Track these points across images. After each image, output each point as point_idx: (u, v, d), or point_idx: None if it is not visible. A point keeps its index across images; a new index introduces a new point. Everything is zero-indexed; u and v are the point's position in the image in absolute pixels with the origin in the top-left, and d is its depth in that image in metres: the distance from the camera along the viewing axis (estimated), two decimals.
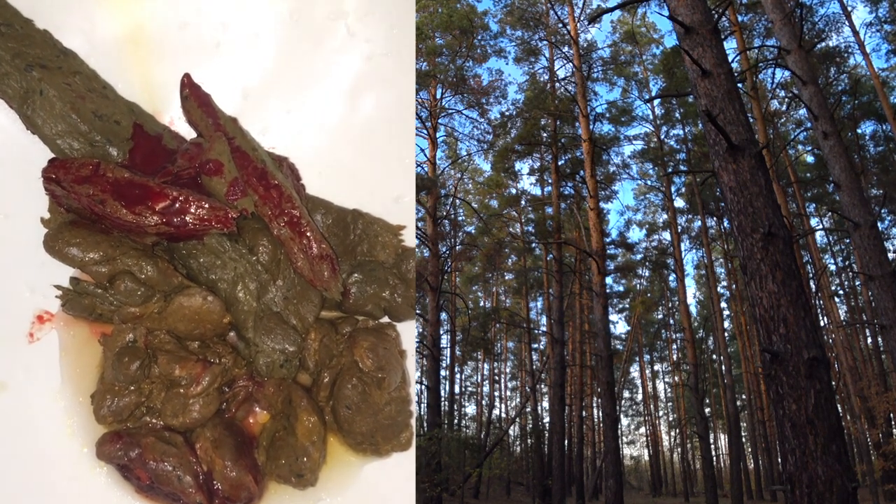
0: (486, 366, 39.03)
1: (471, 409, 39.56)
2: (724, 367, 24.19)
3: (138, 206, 2.82)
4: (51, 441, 2.85)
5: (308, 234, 2.88)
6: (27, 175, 2.94)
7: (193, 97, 3.03)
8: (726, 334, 29.85)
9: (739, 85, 9.09)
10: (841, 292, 28.60)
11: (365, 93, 3.15)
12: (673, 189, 23.95)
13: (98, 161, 2.87)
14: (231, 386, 2.96)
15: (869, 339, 26.11)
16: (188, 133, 3.12)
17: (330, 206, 3.13)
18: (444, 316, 24.73)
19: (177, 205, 2.83)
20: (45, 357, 2.91)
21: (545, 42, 21.77)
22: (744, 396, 31.48)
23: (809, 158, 23.97)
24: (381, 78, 3.16)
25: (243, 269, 2.91)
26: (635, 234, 58.18)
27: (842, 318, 27.00)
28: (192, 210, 2.84)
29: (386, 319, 3.11)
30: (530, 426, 28.21)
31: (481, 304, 35.84)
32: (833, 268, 27.89)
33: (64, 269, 2.91)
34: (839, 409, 6.70)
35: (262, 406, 2.97)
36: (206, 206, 2.84)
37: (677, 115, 23.35)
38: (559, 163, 21.79)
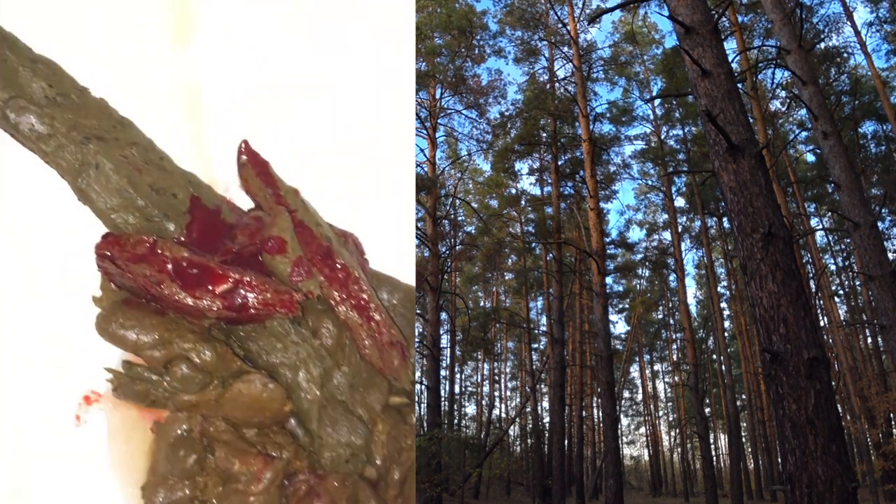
0: (486, 366, 39.05)
1: (471, 409, 39.58)
2: (724, 367, 24.18)
3: (198, 288, 2.67)
4: None
5: (377, 318, 2.75)
6: (76, 248, 2.84)
7: (251, 164, 2.89)
8: (726, 334, 29.84)
9: (739, 85, 9.10)
10: (841, 292, 28.61)
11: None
12: (673, 189, 23.96)
13: (155, 238, 2.73)
14: (291, 480, 2.76)
15: (869, 339, 26.11)
16: (245, 201, 2.99)
17: (397, 283, 2.99)
18: (444, 316, 24.73)
19: (239, 288, 2.67)
20: (92, 441, 2.76)
21: (545, 42, 21.77)
22: (744, 396, 31.47)
23: (809, 158, 23.99)
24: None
25: (306, 353, 2.75)
26: (635, 234, 58.14)
27: (842, 318, 26.99)
28: (255, 294, 2.67)
29: None
30: (530, 426, 28.22)
31: (481, 304, 35.84)
32: (833, 268, 27.90)
33: (112, 346, 2.78)
34: (839, 409, 6.70)
35: (325, 503, 2.75)
36: (270, 289, 2.68)
37: (677, 115, 23.34)
38: (559, 163, 21.78)
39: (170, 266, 2.68)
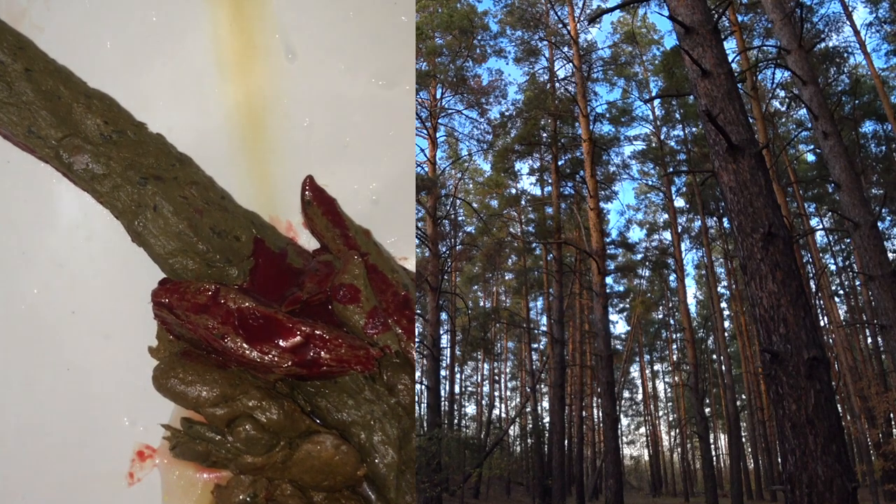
0: (486, 366, 39.04)
1: (471, 409, 39.57)
2: (724, 367, 24.18)
3: (265, 342, 2.43)
4: None
5: None
6: (131, 293, 2.67)
7: (317, 202, 2.69)
8: (726, 334, 29.84)
9: (739, 85, 9.10)
10: (841, 292, 28.62)
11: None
12: (673, 189, 23.95)
13: (217, 286, 2.49)
14: None
15: (869, 339, 26.10)
16: (309, 241, 2.80)
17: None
18: (444, 316, 24.72)
19: (310, 343, 2.43)
20: (146, 502, 2.56)
21: (545, 42, 21.76)
22: (744, 396, 31.46)
23: (809, 158, 23.99)
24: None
25: (381, 412, 2.50)
26: (635, 234, 58.23)
27: (842, 318, 26.99)
28: (328, 350, 2.43)
29: None
30: (530, 426, 28.19)
31: (481, 304, 35.83)
32: (833, 268, 27.90)
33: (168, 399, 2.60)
34: (839, 409, 6.70)
35: None
36: (344, 345, 2.44)
37: (677, 115, 23.33)
38: (559, 163, 21.78)
39: (234, 317, 2.44)
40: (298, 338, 2.44)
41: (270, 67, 2.94)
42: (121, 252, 2.73)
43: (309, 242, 2.86)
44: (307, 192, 2.73)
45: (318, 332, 2.45)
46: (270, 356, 2.44)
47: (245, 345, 2.44)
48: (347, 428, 2.52)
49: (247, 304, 2.47)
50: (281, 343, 2.44)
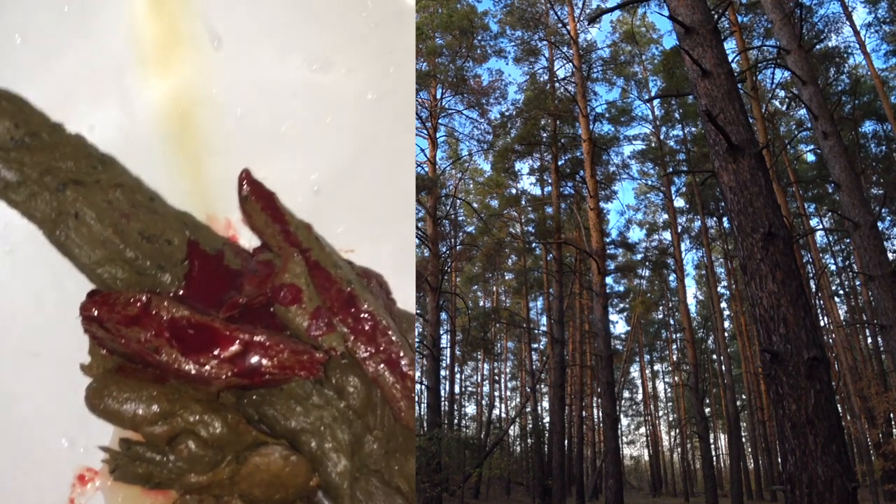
0: (486, 366, 39.03)
1: (471, 409, 39.57)
2: (724, 367, 24.18)
3: (202, 353, 2.29)
4: None
5: (411, 374, 2.37)
6: (60, 306, 2.45)
7: (255, 197, 2.53)
8: (726, 334, 29.84)
9: (739, 85, 9.09)
10: (841, 292, 28.62)
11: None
12: (673, 189, 23.96)
13: (149, 295, 2.34)
14: None
15: (869, 339, 26.10)
16: (251, 240, 2.61)
17: (411, 318, 2.61)
18: (444, 316, 24.72)
19: (250, 351, 2.29)
20: None
21: (545, 42, 21.76)
22: (744, 396, 31.46)
23: (809, 158, 23.99)
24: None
25: (331, 417, 2.36)
26: (635, 234, 58.20)
27: (842, 318, 27.00)
28: (269, 357, 2.30)
29: None
30: (530, 426, 28.19)
31: (481, 304, 35.83)
32: (833, 268, 27.90)
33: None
34: (839, 409, 6.70)
35: None
36: (287, 349, 2.30)
37: (677, 115, 23.33)
38: (559, 163, 21.78)
39: (167, 328, 2.29)
40: (237, 346, 2.30)
41: (195, 56, 2.72)
42: (47, 264, 2.50)
43: (251, 241, 2.67)
44: (244, 187, 2.56)
45: (257, 339, 2.31)
46: (208, 368, 2.29)
47: (181, 357, 2.30)
48: (297, 436, 2.37)
49: (181, 312, 2.32)
50: (219, 353, 2.30)
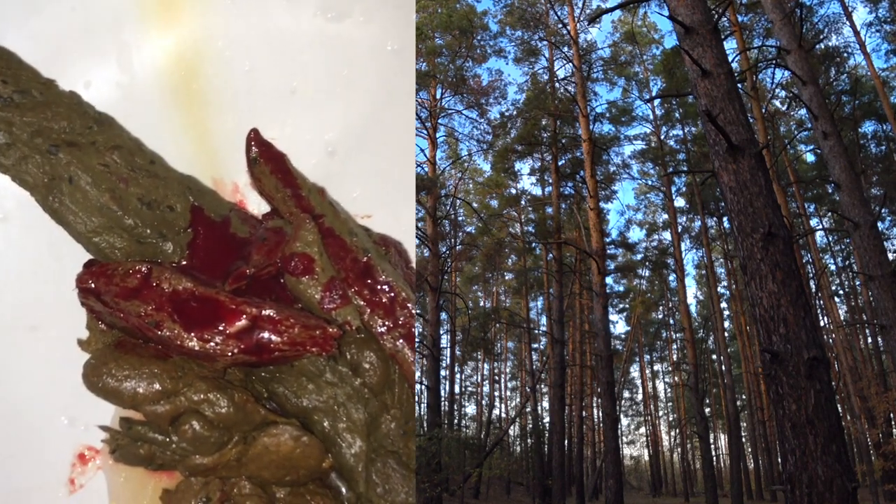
0: (486, 366, 39.03)
1: (471, 409, 39.57)
2: (724, 367, 24.17)
3: (206, 328, 2.12)
4: None
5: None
6: (57, 278, 2.30)
7: (265, 159, 2.35)
8: (726, 334, 29.84)
9: (739, 85, 9.09)
10: (841, 292, 28.61)
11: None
12: (673, 189, 23.95)
13: (149, 266, 2.19)
14: None
15: (869, 339, 26.10)
16: (260, 205, 2.42)
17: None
18: (444, 316, 24.72)
19: (258, 326, 2.12)
20: None
21: (545, 42, 21.76)
22: (744, 396, 31.46)
23: (809, 158, 24.00)
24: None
25: (345, 395, 2.18)
26: (635, 234, 58.16)
27: (842, 318, 26.99)
28: (279, 332, 2.12)
29: None
30: (530, 426, 28.19)
31: (481, 304, 35.82)
32: (833, 268, 27.90)
33: None
34: (839, 409, 6.70)
35: None
36: (297, 324, 2.12)
37: (677, 115, 23.34)
38: (559, 163, 21.78)
39: (169, 301, 2.12)
40: (244, 321, 2.12)
41: (201, 5, 2.50)
42: (43, 233, 2.32)
43: (260, 206, 2.48)
44: (253, 148, 2.36)
45: (266, 313, 2.12)
46: (213, 344, 2.12)
47: (184, 332, 2.12)
48: (309, 415, 2.20)
49: (184, 284, 2.14)
50: (224, 328, 2.12)
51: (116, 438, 2.23)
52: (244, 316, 2.14)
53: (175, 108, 2.47)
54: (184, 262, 2.27)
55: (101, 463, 2.30)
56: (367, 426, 2.19)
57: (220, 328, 2.13)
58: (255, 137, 2.37)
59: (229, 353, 2.14)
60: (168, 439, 2.17)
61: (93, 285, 2.19)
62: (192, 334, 2.13)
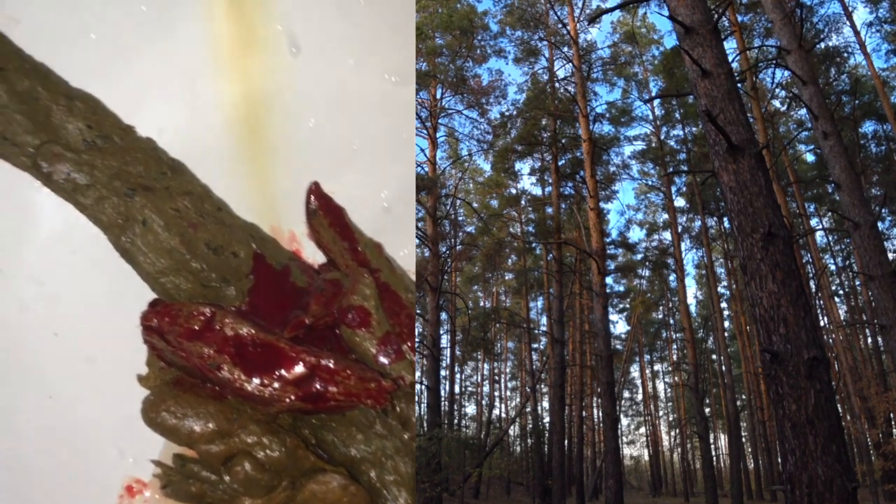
0: (486, 366, 39.03)
1: (471, 409, 39.57)
2: (724, 367, 24.18)
3: (265, 373, 2.19)
4: None
5: None
6: (118, 313, 2.40)
7: (324, 211, 2.45)
8: (726, 334, 29.84)
9: (739, 85, 9.09)
10: (841, 292, 28.62)
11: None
12: (673, 189, 23.96)
13: (213, 309, 2.26)
14: None
15: (869, 339, 26.10)
16: (314, 254, 2.53)
17: None
18: (444, 316, 24.72)
19: (316, 375, 2.19)
20: None
21: (545, 42, 21.77)
22: (744, 396, 31.46)
23: (809, 158, 23.99)
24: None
25: (393, 448, 2.26)
26: (635, 234, 58.21)
27: (842, 318, 26.99)
28: (336, 383, 2.19)
29: None
30: (530, 426, 28.19)
31: (481, 304, 35.82)
32: (833, 268, 27.90)
33: None
34: (839, 409, 6.70)
35: None
36: (353, 376, 2.20)
37: (677, 115, 23.34)
38: (559, 163, 21.78)
39: (231, 345, 2.20)
40: (303, 369, 2.20)
41: (272, 62, 2.66)
42: (108, 268, 2.45)
43: (314, 255, 2.62)
44: (312, 200, 2.49)
45: (324, 363, 2.21)
46: (271, 389, 2.20)
47: (243, 376, 2.20)
48: (356, 465, 2.28)
49: (245, 329, 2.24)
50: (283, 374, 2.20)
51: (169, 474, 2.30)
52: (303, 364, 2.21)
53: (240, 157, 2.60)
54: (244, 307, 2.36)
55: (148, 496, 2.37)
56: (414, 480, 2.26)
57: (279, 374, 2.21)
58: (315, 190, 2.49)
59: (286, 400, 2.20)
60: (220, 479, 2.25)
61: (156, 324, 2.27)
62: (252, 378, 2.21)
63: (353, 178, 2.65)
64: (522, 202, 26.60)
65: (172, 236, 2.34)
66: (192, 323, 2.25)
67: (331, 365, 2.21)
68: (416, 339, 12.80)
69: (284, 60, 2.67)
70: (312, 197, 2.48)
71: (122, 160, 2.37)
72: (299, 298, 2.37)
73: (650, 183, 26.02)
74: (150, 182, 2.38)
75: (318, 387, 2.20)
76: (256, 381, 2.21)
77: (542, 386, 29.17)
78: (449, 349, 27.15)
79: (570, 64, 20.01)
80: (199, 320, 2.25)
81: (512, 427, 30.84)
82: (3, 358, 2.43)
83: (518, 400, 41.32)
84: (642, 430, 45.69)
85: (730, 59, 6.43)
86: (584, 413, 31.18)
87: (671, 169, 23.38)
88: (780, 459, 5.88)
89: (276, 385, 2.20)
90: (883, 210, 19.71)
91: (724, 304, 29.29)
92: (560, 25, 20.89)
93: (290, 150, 2.63)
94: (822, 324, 24.02)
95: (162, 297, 2.39)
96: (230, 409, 2.27)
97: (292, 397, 2.20)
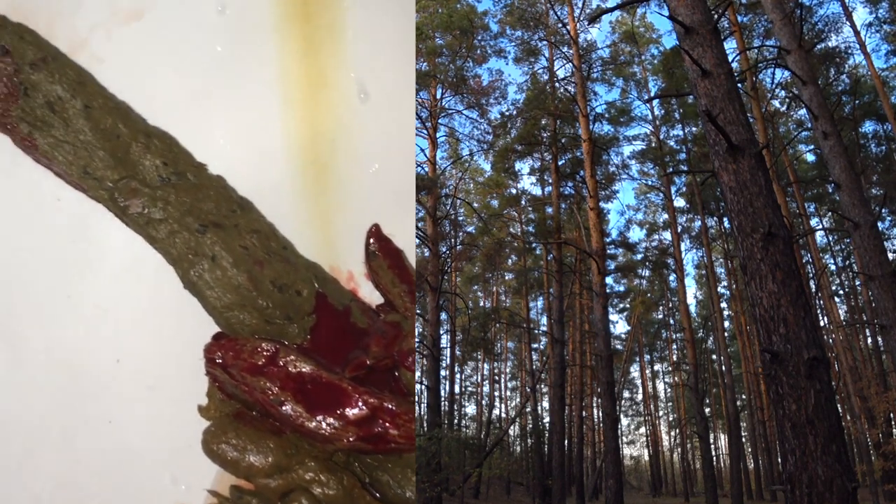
0: (486, 366, 39.03)
1: (471, 409, 39.57)
2: (724, 367, 24.17)
3: (327, 412, 2.23)
4: None
5: None
6: (179, 343, 2.50)
7: (383, 254, 2.52)
8: (726, 334, 29.84)
9: (739, 85, 9.09)
10: (841, 292, 28.62)
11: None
12: (673, 189, 23.96)
13: (276, 346, 2.32)
14: None
15: (869, 339, 26.11)
16: (371, 293, 2.59)
17: None
18: (444, 316, 24.72)
19: (377, 417, 2.22)
20: None
21: (545, 42, 21.77)
22: (744, 396, 31.46)
23: (809, 158, 23.99)
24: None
25: None
26: (635, 234, 58.23)
27: (842, 318, 26.99)
28: (397, 425, 2.22)
29: None
30: (530, 426, 28.19)
31: (481, 304, 35.82)
32: (833, 268, 27.90)
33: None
34: (839, 409, 6.70)
35: None
36: (414, 420, 2.26)
37: (677, 115, 23.33)
38: (559, 163, 21.78)
39: (294, 381, 2.24)
40: (365, 409, 2.24)
41: (341, 106, 2.76)
42: (171, 299, 2.55)
43: (371, 295, 2.67)
44: (372, 242, 2.55)
45: (386, 405, 2.23)
46: (332, 428, 2.24)
47: (305, 413, 2.24)
48: None
49: (308, 367, 2.28)
50: (345, 413, 2.24)
51: None
52: (365, 405, 2.25)
53: (304, 197, 2.69)
54: (305, 345, 2.41)
55: None
56: None
57: (340, 413, 2.25)
58: (375, 232, 2.56)
59: (347, 439, 2.24)
60: None
61: (220, 357, 2.34)
62: (314, 416, 2.25)
63: (412, 222, 2.77)
64: (522, 202, 26.62)
65: (240, 273, 2.42)
66: (256, 358, 2.31)
67: (392, 407, 2.25)
68: (416, 339, 12.81)
69: (353, 106, 2.77)
70: (372, 239, 2.55)
71: (195, 197, 2.47)
72: (359, 339, 2.42)
73: (650, 183, 26.04)
74: (220, 219, 2.47)
75: (379, 428, 2.24)
76: (318, 418, 2.25)
77: (542, 386, 29.18)
78: (449, 349, 27.16)
79: (570, 64, 20.02)
80: (263, 356, 2.31)
81: (512, 427, 30.85)
82: (66, 381, 2.50)
83: (518, 400, 41.33)
84: (642, 430, 45.74)
85: (730, 59, 6.43)
86: (584, 413, 31.18)
87: (671, 169, 23.38)
88: (780, 459, 5.88)
89: (337, 424, 2.24)
90: (883, 210, 19.71)
91: (724, 304, 29.30)
92: (560, 25, 20.89)
93: (353, 193, 2.72)
94: (822, 324, 24.02)
95: (226, 331, 2.44)
96: (289, 445, 2.32)
97: (352, 437, 2.24)
